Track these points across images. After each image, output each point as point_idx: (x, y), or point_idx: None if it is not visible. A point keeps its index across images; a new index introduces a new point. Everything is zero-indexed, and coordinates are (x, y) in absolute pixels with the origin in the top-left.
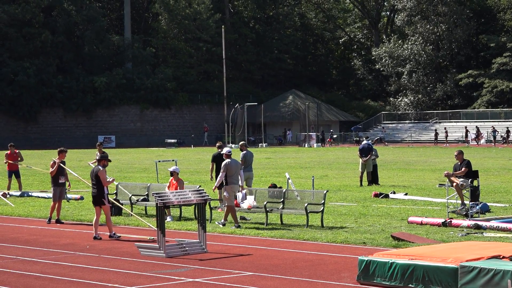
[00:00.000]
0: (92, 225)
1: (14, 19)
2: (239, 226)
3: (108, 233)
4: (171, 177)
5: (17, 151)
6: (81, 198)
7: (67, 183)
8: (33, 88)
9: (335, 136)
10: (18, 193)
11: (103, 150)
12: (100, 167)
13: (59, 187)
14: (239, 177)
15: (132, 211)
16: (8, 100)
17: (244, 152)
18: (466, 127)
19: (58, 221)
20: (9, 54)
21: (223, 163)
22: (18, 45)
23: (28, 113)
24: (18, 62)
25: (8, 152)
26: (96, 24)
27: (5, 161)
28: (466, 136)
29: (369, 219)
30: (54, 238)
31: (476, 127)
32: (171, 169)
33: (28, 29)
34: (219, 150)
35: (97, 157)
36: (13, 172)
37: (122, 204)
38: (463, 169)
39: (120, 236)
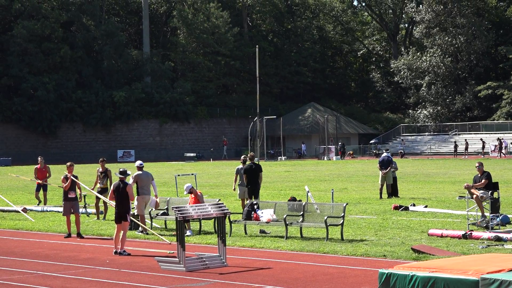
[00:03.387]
0: (112, 239)
1: (33, 35)
2: (146, 233)
3: (119, 250)
4: (190, 194)
5: (47, 166)
6: (101, 212)
7: (79, 197)
8: (52, 103)
9: (350, 152)
10: (40, 208)
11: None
12: (126, 182)
13: (69, 201)
14: (152, 188)
15: (152, 225)
16: (28, 115)
17: (238, 166)
18: (482, 139)
19: (79, 235)
20: (28, 69)
21: (134, 174)
22: (38, 60)
23: (48, 128)
24: (37, 77)
25: (38, 166)
26: (115, 39)
27: (31, 178)
28: (483, 148)
29: (389, 231)
30: (74, 253)
31: (498, 138)
32: (185, 192)
33: (47, 44)
34: (250, 162)
35: (100, 174)
36: (42, 186)
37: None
38: (483, 181)
39: (129, 254)
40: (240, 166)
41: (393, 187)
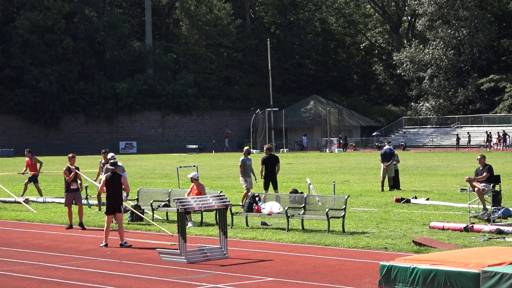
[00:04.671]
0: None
1: (36, 26)
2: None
3: (120, 241)
4: (192, 183)
5: (34, 157)
6: (103, 204)
7: (80, 187)
8: (55, 95)
9: (352, 144)
10: (41, 199)
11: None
12: (120, 174)
13: (71, 192)
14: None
15: (153, 217)
16: (30, 106)
17: (242, 158)
18: (487, 132)
19: (81, 225)
20: (31, 61)
21: (105, 167)
22: (40, 51)
23: (50, 119)
24: (40, 68)
25: (27, 159)
26: (118, 30)
27: (22, 172)
28: (488, 140)
29: (391, 224)
30: (75, 244)
31: (503, 131)
32: (190, 176)
33: (50, 35)
34: (268, 153)
35: (102, 165)
36: (33, 177)
37: (143, 213)
38: (484, 174)
39: (131, 245)
40: (243, 157)
41: (395, 180)
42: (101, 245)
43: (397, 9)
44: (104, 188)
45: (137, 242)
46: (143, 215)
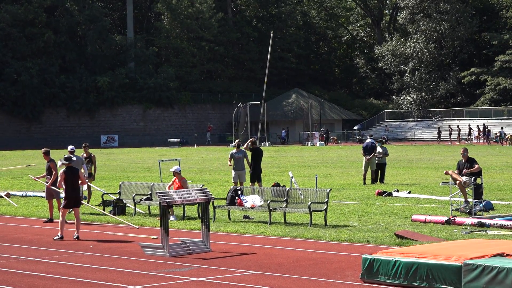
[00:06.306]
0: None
1: (17, 19)
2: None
3: (77, 235)
4: (174, 177)
5: None
6: (84, 198)
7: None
8: (36, 88)
9: (333, 137)
10: (21, 193)
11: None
12: (77, 168)
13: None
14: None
15: (135, 211)
16: (11, 100)
17: (232, 151)
18: (458, 126)
19: (49, 220)
20: (12, 54)
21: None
22: (21, 45)
23: (31, 113)
24: (21, 62)
25: None
26: (99, 24)
27: None
28: (470, 133)
29: (373, 217)
30: None
31: (484, 124)
32: (172, 170)
33: (31, 29)
34: (253, 146)
35: (83, 158)
36: None
37: (125, 207)
38: (476, 166)
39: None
40: (234, 150)
41: (381, 173)
42: (56, 238)
43: (379, 3)
44: (63, 183)
45: (119, 235)
46: (103, 210)
